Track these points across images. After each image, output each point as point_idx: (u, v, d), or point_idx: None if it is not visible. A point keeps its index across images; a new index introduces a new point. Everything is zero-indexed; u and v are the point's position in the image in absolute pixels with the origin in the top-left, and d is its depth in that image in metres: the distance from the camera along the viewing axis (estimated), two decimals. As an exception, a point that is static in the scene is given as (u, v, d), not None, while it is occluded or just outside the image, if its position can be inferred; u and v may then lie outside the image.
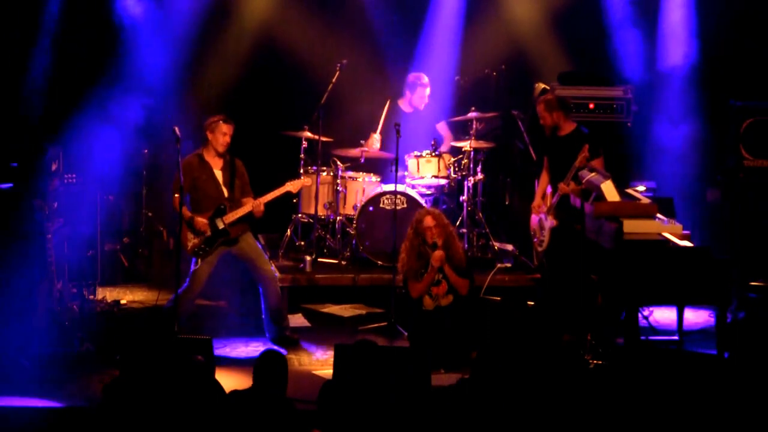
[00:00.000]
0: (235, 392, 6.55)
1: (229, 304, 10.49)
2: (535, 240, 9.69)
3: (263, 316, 9.41)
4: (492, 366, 6.98)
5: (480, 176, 10.96)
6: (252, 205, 9.16)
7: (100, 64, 11.52)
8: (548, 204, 9.45)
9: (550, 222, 9.39)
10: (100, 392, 6.62)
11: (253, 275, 9.37)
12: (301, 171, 10.75)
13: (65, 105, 11.37)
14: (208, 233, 9.10)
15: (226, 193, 9.23)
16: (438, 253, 8.95)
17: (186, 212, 9.02)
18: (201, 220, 9.08)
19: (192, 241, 9.10)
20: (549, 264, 9.57)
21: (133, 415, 6.32)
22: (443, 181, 10.85)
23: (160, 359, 6.53)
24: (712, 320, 9.60)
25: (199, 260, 9.13)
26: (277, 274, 9.64)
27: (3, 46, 11.02)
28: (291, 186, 9.41)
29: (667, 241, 8.31)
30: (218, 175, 9.26)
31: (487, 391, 6.74)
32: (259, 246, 9.41)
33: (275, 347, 9.05)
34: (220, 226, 9.14)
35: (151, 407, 6.32)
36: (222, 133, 9.21)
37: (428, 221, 9.02)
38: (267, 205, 9.26)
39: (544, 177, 9.65)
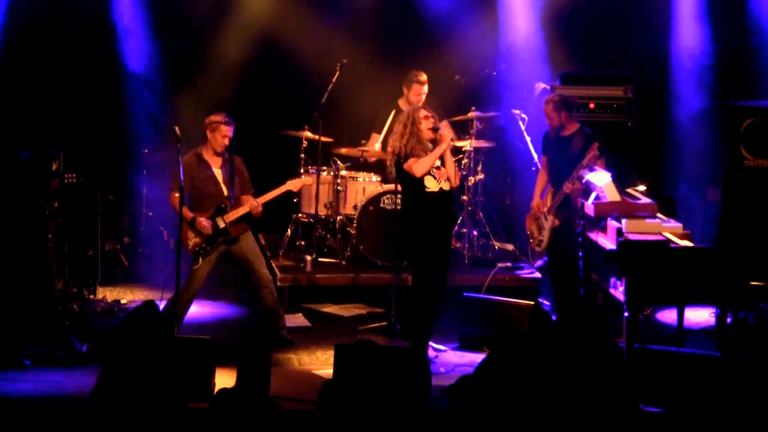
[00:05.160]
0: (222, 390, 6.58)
1: (229, 304, 10.49)
2: (532, 240, 9.69)
3: (259, 316, 9.40)
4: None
5: (480, 176, 10.95)
6: (250, 205, 9.15)
7: (100, 63, 11.56)
8: (548, 204, 9.45)
9: (550, 222, 9.39)
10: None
11: (249, 275, 9.36)
12: (302, 171, 10.75)
13: (65, 104, 11.39)
14: (210, 233, 9.10)
15: (225, 192, 9.22)
16: (448, 131, 8.79)
17: (188, 213, 9.02)
18: (204, 221, 9.08)
19: (193, 240, 9.10)
20: (549, 264, 9.56)
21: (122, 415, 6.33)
22: (443, 181, 10.83)
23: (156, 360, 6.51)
24: (712, 320, 9.58)
25: (200, 259, 9.12)
26: (277, 274, 9.63)
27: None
28: (292, 185, 9.41)
29: (668, 241, 8.30)
30: (217, 173, 9.25)
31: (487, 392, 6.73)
32: (258, 247, 9.40)
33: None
34: (221, 225, 9.14)
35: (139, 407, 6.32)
36: (222, 135, 9.19)
37: (423, 112, 8.82)
38: (268, 204, 9.27)
39: (542, 177, 9.65)
